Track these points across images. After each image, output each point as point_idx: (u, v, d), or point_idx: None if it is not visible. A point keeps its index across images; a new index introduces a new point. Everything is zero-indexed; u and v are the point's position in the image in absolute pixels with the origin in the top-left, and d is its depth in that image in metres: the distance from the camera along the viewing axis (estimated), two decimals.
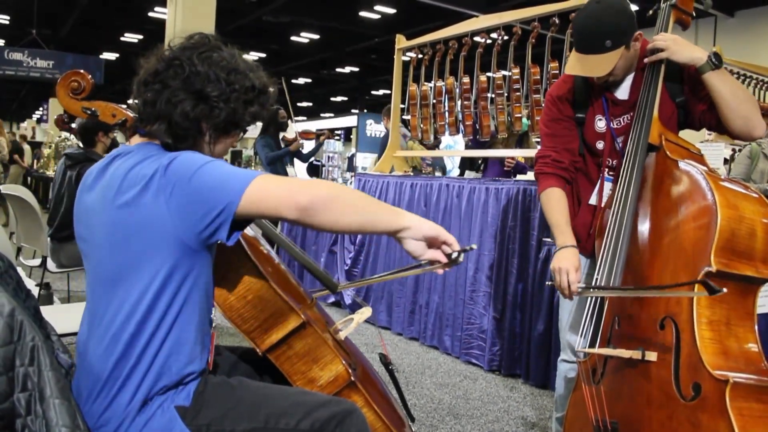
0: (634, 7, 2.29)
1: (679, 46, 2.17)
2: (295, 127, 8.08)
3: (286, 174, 7.49)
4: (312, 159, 9.66)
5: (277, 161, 7.46)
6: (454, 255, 1.57)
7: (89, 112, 2.08)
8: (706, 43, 12.71)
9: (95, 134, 4.74)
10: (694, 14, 2.36)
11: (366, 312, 1.86)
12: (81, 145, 4.81)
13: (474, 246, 1.63)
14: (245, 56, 1.69)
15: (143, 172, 1.49)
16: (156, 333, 1.52)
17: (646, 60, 2.24)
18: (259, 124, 6.88)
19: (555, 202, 2.42)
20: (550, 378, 3.92)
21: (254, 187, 1.44)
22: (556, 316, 2.84)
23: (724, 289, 1.70)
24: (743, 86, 2.30)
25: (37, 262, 4.71)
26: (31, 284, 3.79)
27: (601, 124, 2.41)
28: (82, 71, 2.07)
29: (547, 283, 2.44)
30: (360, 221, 1.50)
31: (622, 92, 2.40)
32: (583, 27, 2.25)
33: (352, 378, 1.77)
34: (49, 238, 4.47)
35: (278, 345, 1.76)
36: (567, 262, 2.26)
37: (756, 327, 1.89)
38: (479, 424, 3.50)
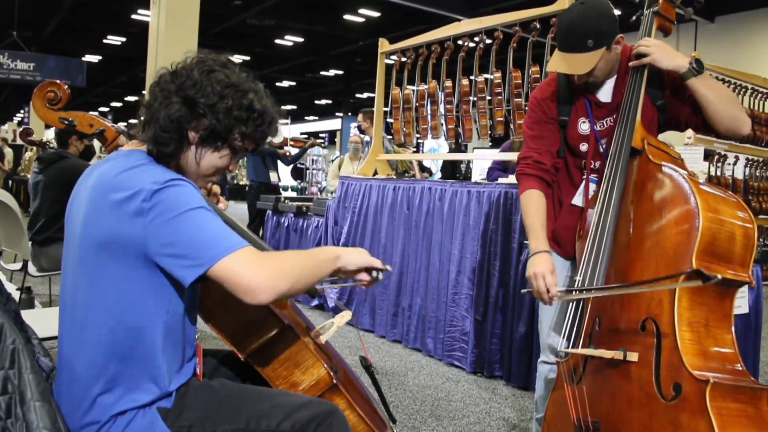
0: (616, 12, 2.32)
1: (663, 53, 2.20)
2: (284, 132, 8.09)
3: (267, 173, 7.50)
4: (295, 162, 9.69)
5: (260, 158, 7.46)
6: (375, 274, 1.78)
7: (66, 122, 2.07)
8: (687, 48, 12.85)
9: (69, 137, 4.74)
10: (676, 21, 2.39)
11: (346, 315, 1.87)
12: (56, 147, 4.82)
13: (389, 267, 1.85)
14: (260, 85, 1.68)
15: (131, 183, 1.48)
16: (134, 338, 1.52)
17: (630, 64, 2.27)
18: None
19: (533, 205, 2.43)
20: (532, 379, 3.93)
21: (230, 262, 1.43)
22: (536, 318, 2.86)
23: (719, 276, 1.72)
24: (726, 87, 2.32)
25: (18, 266, 4.67)
26: (12, 288, 3.76)
27: (584, 126, 2.44)
28: (58, 81, 2.06)
29: (522, 291, 2.45)
30: (316, 278, 1.63)
31: (605, 95, 2.42)
32: (566, 26, 2.29)
33: (334, 381, 1.77)
34: (30, 242, 4.44)
35: (260, 350, 1.76)
36: (541, 267, 2.27)
37: (733, 328, 1.92)
38: (461, 426, 3.51)
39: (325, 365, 1.78)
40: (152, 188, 1.45)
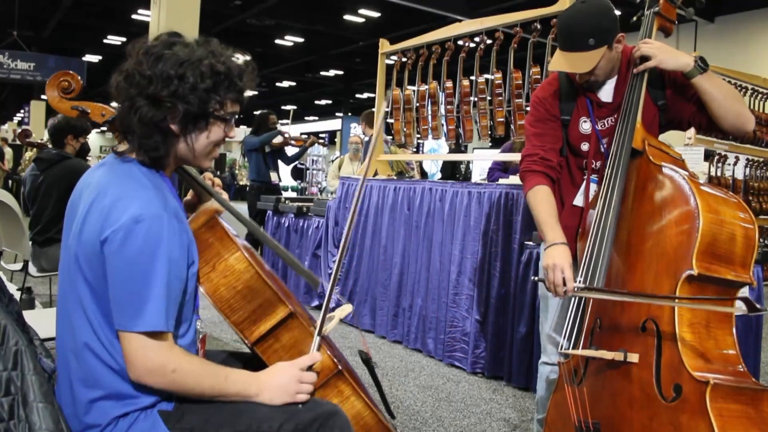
0: (617, 12, 2.32)
1: (667, 54, 2.20)
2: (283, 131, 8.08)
3: (268, 173, 7.50)
4: (296, 162, 9.68)
5: (261, 152, 7.46)
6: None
7: (80, 110, 2.09)
8: (687, 48, 12.83)
9: (64, 137, 4.70)
10: (677, 21, 2.40)
11: (346, 308, 1.87)
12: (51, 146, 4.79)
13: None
14: (214, 42, 1.64)
15: (115, 205, 1.49)
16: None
17: (634, 70, 2.27)
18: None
19: (543, 199, 2.40)
20: (533, 380, 3.93)
21: (138, 339, 1.45)
22: (537, 319, 2.86)
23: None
24: (729, 84, 2.33)
25: (19, 266, 4.67)
26: (12, 288, 3.76)
27: (585, 126, 2.44)
28: (71, 72, 2.09)
29: (533, 278, 2.43)
30: (213, 395, 1.58)
31: (606, 94, 2.42)
32: (568, 25, 2.29)
33: (339, 367, 1.77)
34: (30, 242, 4.44)
35: (266, 337, 1.76)
36: (561, 259, 2.22)
37: (734, 329, 1.92)
38: (462, 426, 3.52)
39: (329, 352, 1.79)
40: (127, 225, 1.45)
